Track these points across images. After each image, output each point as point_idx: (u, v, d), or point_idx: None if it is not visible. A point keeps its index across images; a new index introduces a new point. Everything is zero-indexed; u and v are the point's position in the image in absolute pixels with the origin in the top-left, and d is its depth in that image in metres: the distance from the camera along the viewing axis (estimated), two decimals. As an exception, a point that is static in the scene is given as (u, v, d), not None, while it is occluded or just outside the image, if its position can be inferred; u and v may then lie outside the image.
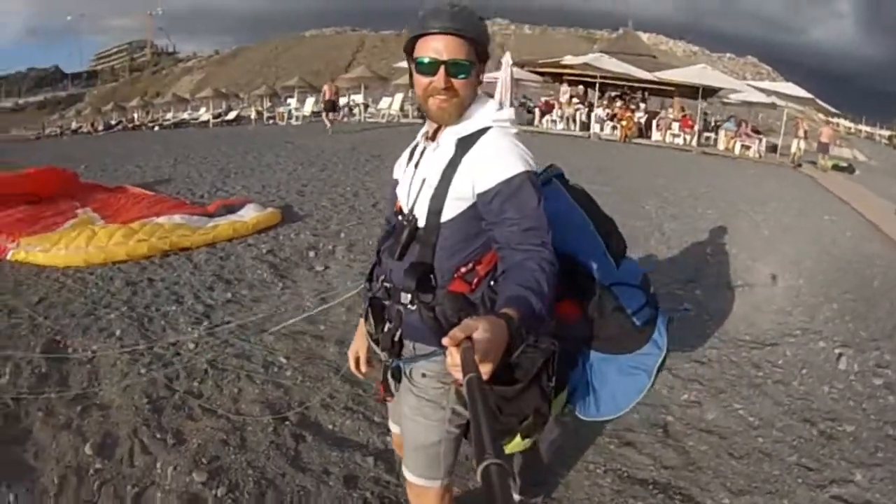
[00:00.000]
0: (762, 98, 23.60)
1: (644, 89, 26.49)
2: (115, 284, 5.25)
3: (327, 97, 22.92)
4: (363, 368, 2.02)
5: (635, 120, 23.05)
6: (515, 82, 25.61)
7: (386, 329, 1.74)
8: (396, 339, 1.72)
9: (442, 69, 1.58)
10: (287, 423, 3.24)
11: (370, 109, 28.87)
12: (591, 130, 22.61)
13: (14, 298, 4.89)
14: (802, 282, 6.03)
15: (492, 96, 1.73)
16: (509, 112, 1.70)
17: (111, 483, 2.73)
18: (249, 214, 7.22)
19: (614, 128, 22.53)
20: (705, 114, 24.72)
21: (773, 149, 22.02)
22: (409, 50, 1.65)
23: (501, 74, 23.19)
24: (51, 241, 6.04)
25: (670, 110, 24.95)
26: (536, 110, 26.29)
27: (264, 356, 3.97)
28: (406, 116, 26.39)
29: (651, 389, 2.06)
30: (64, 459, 2.88)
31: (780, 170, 18.04)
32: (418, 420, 1.77)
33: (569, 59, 26.53)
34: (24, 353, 3.90)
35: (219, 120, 31.27)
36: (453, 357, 1.13)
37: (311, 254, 6.19)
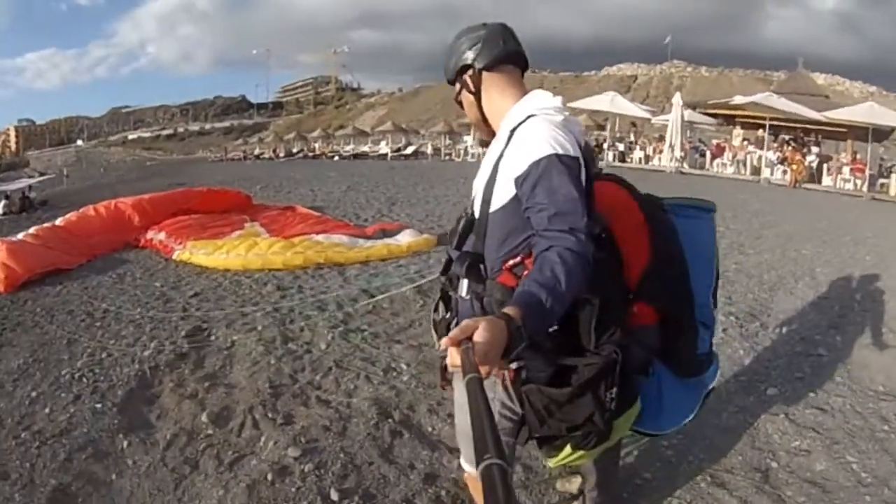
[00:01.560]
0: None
1: (817, 132, 24.60)
2: (266, 288, 5.81)
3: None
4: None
5: (806, 164, 21.43)
6: (689, 125, 24.86)
7: (446, 317, 1.84)
8: (452, 326, 1.78)
9: None
10: (389, 420, 3.45)
11: None
12: (762, 175, 21.33)
13: (173, 290, 5.61)
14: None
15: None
16: (556, 100, 1.72)
17: (216, 447, 3.13)
18: (405, 239, 7.57)
19: (785, 172, 21.08)
20: (882, 158, 22.36)
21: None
22: None
23: (672, 116, 22.71)
24: (215, 246, 6.80)
25: (843, 154, 22.91)
26: (707, 153, 25.32)
27: (388, 362, 4.24)
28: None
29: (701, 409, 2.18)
30: (181, 422, 3.35)
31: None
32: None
33: (738, 100, 25.43)
34: (170, 335, 4.50)
35: (397, 153, 33.05)
36: (453, 357, 1.20)
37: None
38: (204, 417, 3.37)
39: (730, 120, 27.30)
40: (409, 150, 34.02)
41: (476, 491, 1.96)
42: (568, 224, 1.48)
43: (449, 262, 1.93)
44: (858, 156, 21.61)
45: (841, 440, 3.51)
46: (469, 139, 30.44)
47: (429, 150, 32.53)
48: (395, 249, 7.22)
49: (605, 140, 26.91)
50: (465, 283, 1.73)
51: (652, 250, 1.96)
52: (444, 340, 1.23)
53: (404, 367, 4.16)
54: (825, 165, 21.65)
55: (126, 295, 5.46)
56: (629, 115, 27.41)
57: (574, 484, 2.89)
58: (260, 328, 4.72)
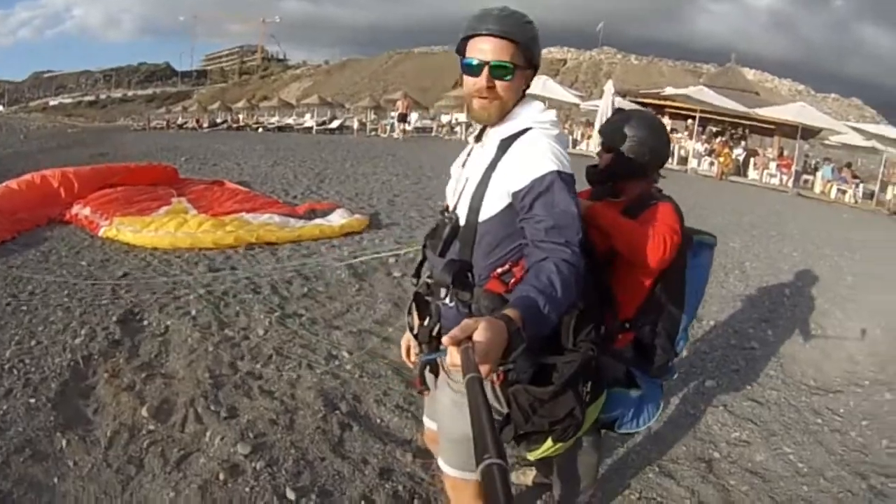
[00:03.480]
0: (861, 141, 22.33)
1: (745, 126, 25.66)
2: (198, 269, 5.53)
3: (401, 110, 26.06)
4: (413, 357, 2.07)
5: (733, 157, 22.31)
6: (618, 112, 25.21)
7: (426, 324, 1.79)
8: (435, 333, 1.76)
9: (486, 70, 1.65)
10: (337, 412, 3.35)
11: (471, 129, 28.80)
12: (689, 165, 22.01)
13: (100, 270, 5.28)
14: (879, 332, 5.66)
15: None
16: (551, 114, 1.73)
17: (160, 444, 2.93)
18: (337, 220, 7.39)
19: (712, 164, 21.87)
20: (806, 155, 23.58)
21: (870, 195, 20.81)
22: (461, 52, 1.72)
23: (602, 102, 23.01)
24: (143, 223, 6.43)
25: (770, 149, 24.01)
26: (636, 141, 25.88)
27: (328, 349, 4.11)
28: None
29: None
30: (120, 417, 3.12)
31: (874, 217, 17.06)
32: (455, 414, 1.78)
33: (669, 91, 26.11)
34: (101, 320, 4.19)
35: (322, 127, 32.00)
36: (453, 357, 1.17)
37: (392, 260, 6.26)
38: (144, 412, 3.15)
39: (659, 109, 27.98)
40: (335, 124, 33.13)
41: (457, 491, 1.92)
42: (564, 237, 1.53)
43: (420, 264, 1.95)
44: (786, 152, 22.70)
45: (777, 432, 3.71)
46: (395, 115, 29.60)
47: (354, 125, 31.72)
48: (327, 230, 7.06)
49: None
50: (449, 290, 1.69)
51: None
52: (445, 340, 1.19)
53: (346, 354, 4.06)
54: (752, 159, 22.65)
55: (52, 275, 5.04)
56: (560, 99, 27.71)
57: (529, 476, 2.92)
58: (194, 312, 4.48)
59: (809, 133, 23.00)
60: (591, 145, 23.56)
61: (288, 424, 3.20)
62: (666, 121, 27.23)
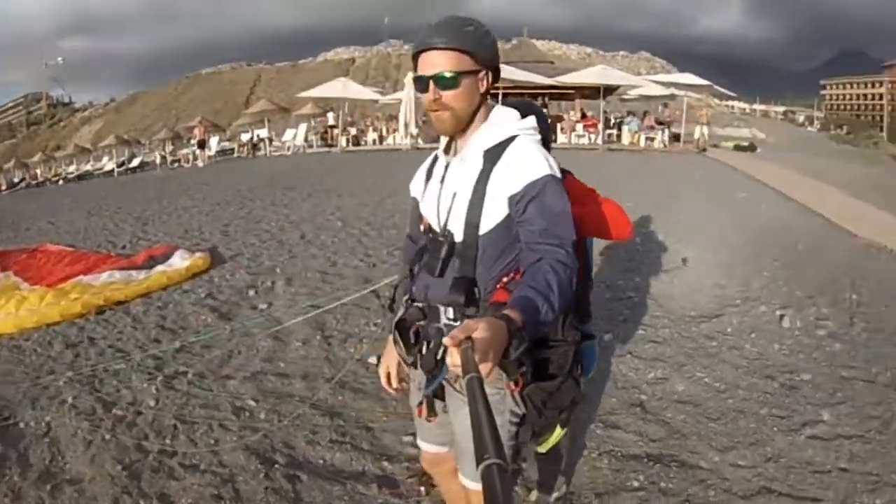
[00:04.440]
0: (661, 91, 24.76)
1: (544, 94, 27.25)
2: (54, 348, 4.96)
3: (199, 137, 27.09)
4: (394, 384, 2.00)
5: (538, 125, 23.57)
6: (420, 102, 25.54)
7: (425, 350, 1.72)
8: (440, 356, 1.67)
9: (431, 84, 1.64)
10: (276, 465, 3.13)
11: (275, 143, 28.26)
12: (495, 139, 22.94)
13: (-56, 375, 4.53)
14: (731, 256, 6.43)
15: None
16: (532, 121, 1.75)
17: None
18: (181, 263, 6.96)
19: (518, 135, 22.96)
20: (605, 112, 25.61)
21: (676, 137, 23.09)
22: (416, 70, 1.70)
23: (405, 94, 23.22)
24: (-24, 309, 5.65)
25: (571, 113, 25.75)
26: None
27: (231, 402, 3.82)
28: (311, 146, 26.27)
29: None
30: (45, 545, 2.68)
31: (686, 156, 19.01)
32: None
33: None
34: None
35: (123, 168, 30.21)
36: (453, 357, 1.16)
37: (251, 292, 6.03)
38: (69, 530, 2.74)
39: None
40: (136, 162, 31.49)
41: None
42: (558, 238, 1.56)
43: (395, 290, 1.93)
44: (591, 113, 24.53)
45: (685, 362, 4.11)
46: (195, 142, 28.77)
47: (157, 160, 30.17)
48: (174, 275, 6.68)
49: (336, 125, 27.11)
50: (450, 309, 1.68)
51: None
52: (446, 340, 1.18)
53: (252, 403, 3.81)
54: (558, 125, 24.22)
55: None
56: (361, 98, 28.00)
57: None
58: (70, 399, 3.96)
59: (609, 91, 25.05)
60: (398, 139, 24.15)
61: (234, 496, 2.92)
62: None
